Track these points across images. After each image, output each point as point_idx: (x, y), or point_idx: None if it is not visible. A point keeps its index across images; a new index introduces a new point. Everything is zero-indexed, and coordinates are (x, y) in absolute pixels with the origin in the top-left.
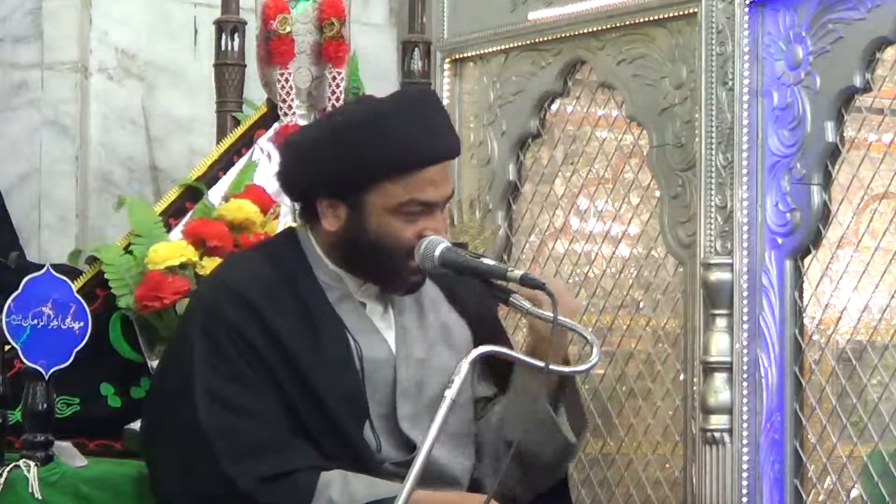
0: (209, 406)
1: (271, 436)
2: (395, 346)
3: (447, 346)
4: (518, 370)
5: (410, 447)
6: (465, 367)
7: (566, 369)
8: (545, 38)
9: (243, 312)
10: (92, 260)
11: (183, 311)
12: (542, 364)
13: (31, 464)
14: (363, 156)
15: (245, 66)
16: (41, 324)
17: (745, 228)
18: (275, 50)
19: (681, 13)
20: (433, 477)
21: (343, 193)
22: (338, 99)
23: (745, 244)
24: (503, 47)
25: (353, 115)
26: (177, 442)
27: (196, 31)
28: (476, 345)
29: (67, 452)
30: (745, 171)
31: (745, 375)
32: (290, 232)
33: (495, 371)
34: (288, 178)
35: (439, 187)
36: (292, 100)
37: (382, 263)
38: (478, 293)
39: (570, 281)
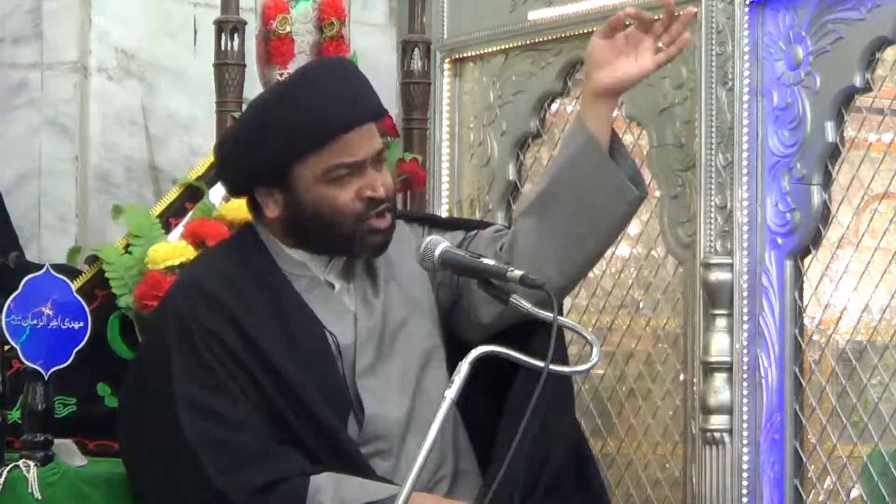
0: (192, 418)
1: (257, 445)
2: (357, 319)
3: (397, 284)
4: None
5: (360, 415)
6: (465, 367)
7: (566, 369)
8: (545, 38)
9: (218, 315)
10: (92, 259)
11: (154, 315)
12: (541, 364)
13: (31, 464)
14: (277, 136)
15: (245, 66)
16: (41, 324)
17: (745, 228)
18: (275, 50)
19: (681, 13)
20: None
21: (272, 177)
22: None
23: (745, 244)
24: (503, 47)
25: (263, 99)
26: (161, 455)
27: (196, 31)
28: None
29: (67, 450)
30: (745, 171)
31: (745, 375)
32: (249, 226)
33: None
34: (223, 177)
35: (363, 145)
36: None
37: (331, 234)
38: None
39: None
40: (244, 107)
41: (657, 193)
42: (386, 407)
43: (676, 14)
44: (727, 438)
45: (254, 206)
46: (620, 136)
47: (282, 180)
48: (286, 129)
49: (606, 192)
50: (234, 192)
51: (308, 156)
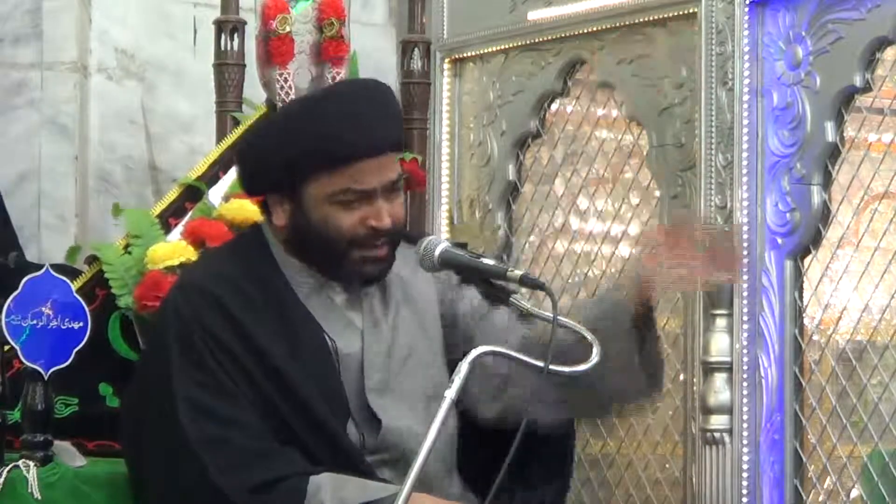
0: (192, 417)
1: (257, 444)
2: (362, 328)
3: (409, 308)
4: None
5: (377, 426)
6: (464, 367)
7: (566, 369)
8: (545, 38)
9: (218, 315)
10: (91, 259)
11: (156, 314)
12: (541, 364)
13: (31, 464)
14: (295, 149)
15: (245, 66)
16: (41, 324)
17: (745, 228)
18: (274, 50)
19: (681, 13)
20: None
21: (284, 187)
22: None
23: (745, 244)
24: (503, 47)
25: (290, 108)
26: (161, 454)
27: (196, 31)
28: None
29: (67, 452)
30: (745, 171)
31: (745, 375)
32: (256, 228)
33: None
34: (242, 177)
35: (376, 175)
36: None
37: (328, 254)
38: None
39: (570, 281)
40: (244, 107)
41: (657, 193)
42: (400, 420)
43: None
44: (727, 438)
45: (265, 210)
46: (620, 136)
47: (292, 191)
48: (304, 144)
49: (618, 367)
50: (247, 191)
51: (320, 174)
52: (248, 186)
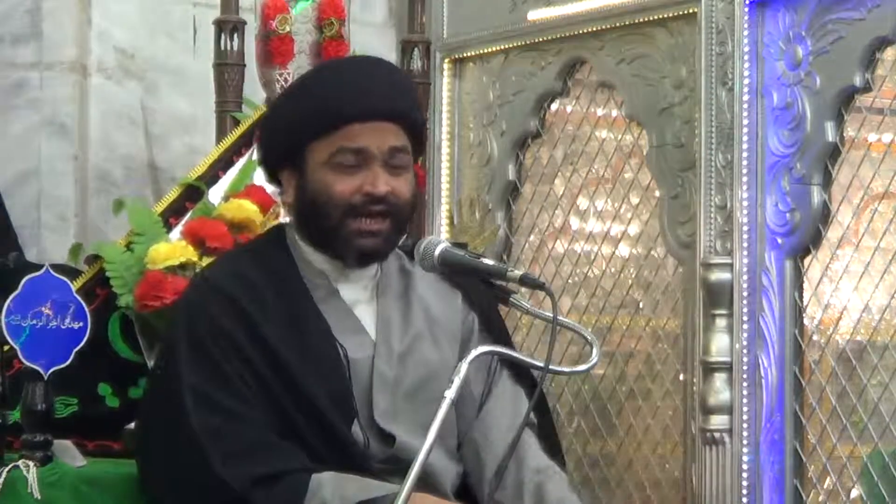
0: (197, 408)
1: (261, 437)
2: (375, 339)
3: (431, 338)
4: None
5: (390, 441)
6: (464, 367)
7: (566, 369)
8: (545, 38)
9: (229, 313)
10: (92, 259)
11: (171, 309)
12: (541, 364)
13: (31, 464)
14: (295, 115)
15: (244, 65)
16: (40, 324)
17: (745, 228)
18: (275, 50)
19: (681, 13)
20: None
21: (289, 158)
22: None
23: (745, 244)
24: (503, 47)
25: (296, 80)
26: (167, 443)
27: (195, 31)
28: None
29: (68, 451)
30: (745, 171)
31: (745, 375)
32: (277, 229)
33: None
34: (259, 153)
35: (371, 137)
36: None
37: (324, 225)
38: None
39: (570, 281)
40: (244, 107)
41: (657, 193)
42: (413, 437)
43: None
44: (727, 438)
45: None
46: (620, 136)
47: (296, 162)
48: (303, 109)
49: None
50: (265, 168)
51: (318, 139)
52: (264, 161)
